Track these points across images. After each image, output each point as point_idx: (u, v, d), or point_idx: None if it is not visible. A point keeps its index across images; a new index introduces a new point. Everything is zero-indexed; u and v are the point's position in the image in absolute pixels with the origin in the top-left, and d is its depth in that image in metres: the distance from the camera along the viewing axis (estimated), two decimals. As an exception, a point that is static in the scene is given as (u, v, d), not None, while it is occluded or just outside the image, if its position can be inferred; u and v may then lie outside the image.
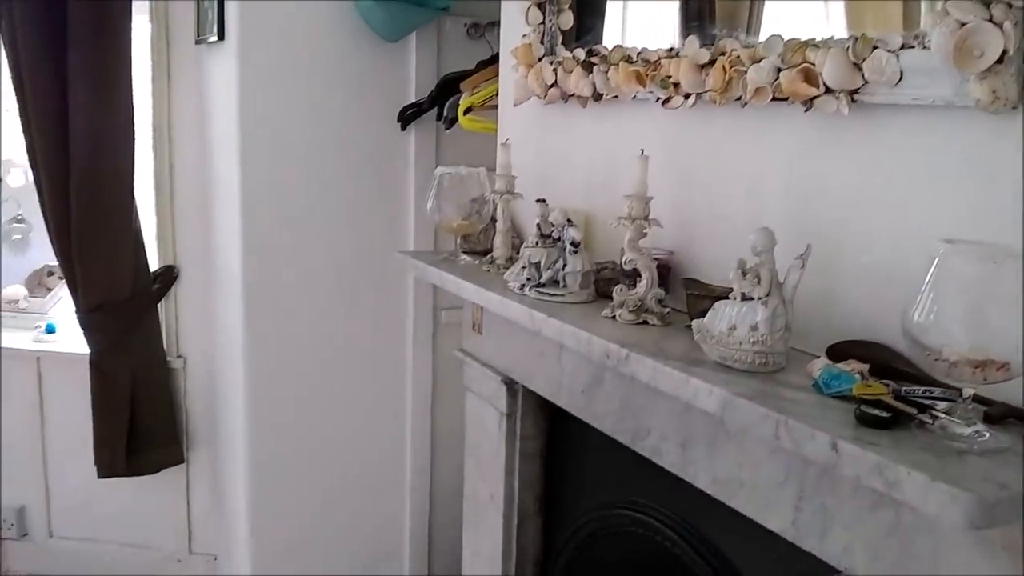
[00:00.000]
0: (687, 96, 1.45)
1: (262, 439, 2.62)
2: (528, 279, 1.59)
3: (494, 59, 2.32)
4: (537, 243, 1.59)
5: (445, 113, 2.32)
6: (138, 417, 2.81)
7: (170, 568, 3.07)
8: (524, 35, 1.87)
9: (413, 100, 2.55)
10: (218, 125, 2.66)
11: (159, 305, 2.88)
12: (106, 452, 2.79)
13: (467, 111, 2.21)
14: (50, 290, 3.30)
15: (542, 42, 1.85)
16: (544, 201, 1.63)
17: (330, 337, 2.64)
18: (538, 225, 1.62)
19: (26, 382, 3.05)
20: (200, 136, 2.80)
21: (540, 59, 1.83)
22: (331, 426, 2.69)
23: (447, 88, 2.35)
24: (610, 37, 1.73)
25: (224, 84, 2.55)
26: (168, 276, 2.88)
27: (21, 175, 3.22)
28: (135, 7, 2.64)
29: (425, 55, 2.57)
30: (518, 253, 1.83)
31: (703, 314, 1.25)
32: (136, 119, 2.70)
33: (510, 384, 1.88)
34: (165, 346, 2.90)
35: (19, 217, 3.33)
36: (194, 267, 2.89)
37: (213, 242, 2.81)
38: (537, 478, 1.93)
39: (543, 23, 1.84)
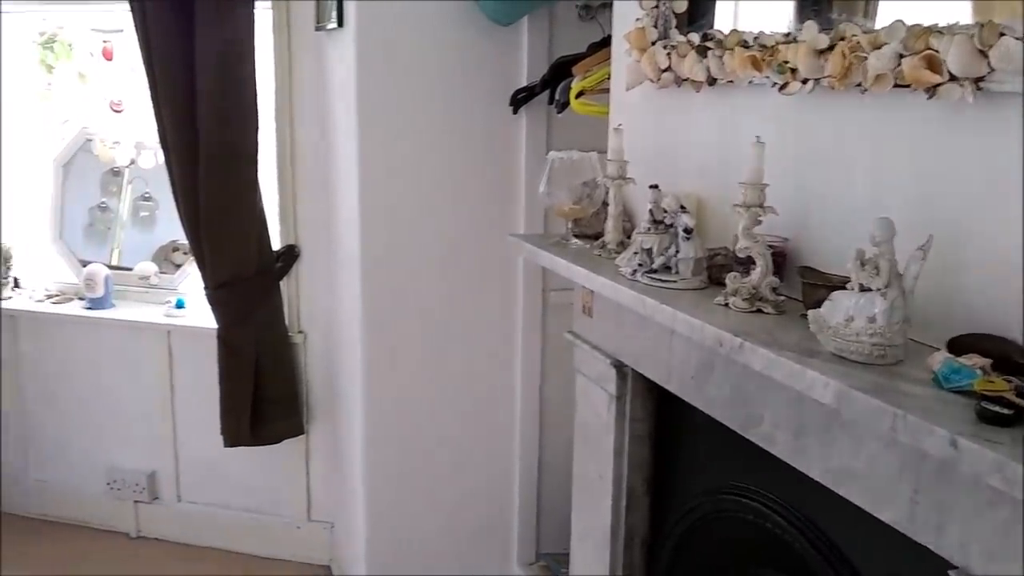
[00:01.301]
0: (804, 82, 1.43)
1: (378, 413, 2.71)
2: (640, 264, 1.60)
3: (605, 42, 2.32)
4: (649, 229, 1.60)
5: (557, 97, 2.33)
6: (262, 389, 2.94)
7: (289, 534, 3.22)
8: (637, 19, 1.87)
9: (525, 84, 2.58)
10: (337, 109, 2.75)
11: (281, 283, 3.00)
12: (232, 422, 2.93)
13: (579, 95, 2.22)
14: (176, 265, 3.46)
15: (655, 26, 1.84)
16: (657, 187, 1.63)
17: (443, 315, 2.70)
18: (650, 211, 1.63)
19: (157, 355, 3.23)
20: (320, 120, 2.90)
21: (653, 43, 1.83)
22: (444, 400, 2.76)
23: (559, 71, 2.37)
24: (722, 22, 1.72)
25: (343, 69, 2.63)
26: (290, 255, 3.00)
27: (151, 157, 3.39)
28: (258, -5, 2.75)
29: (537, 38, 2.59)
30: (629, 238, 1.85)
31: (819, 304, 1.24)
32: (260, 102, 2.82)
33: (620, 367, 1.90)
34: (287, 322, 3.03)
35: (146, 195, 3.50)
36: (314, 246, 3.00)
37: (332, 223, 2.90)
38: (646, 460, 1.95)
39: (656, 7, 1.83)
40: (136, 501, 3.35)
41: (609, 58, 2.13)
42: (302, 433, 3.08)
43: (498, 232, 2.64)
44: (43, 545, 3.33)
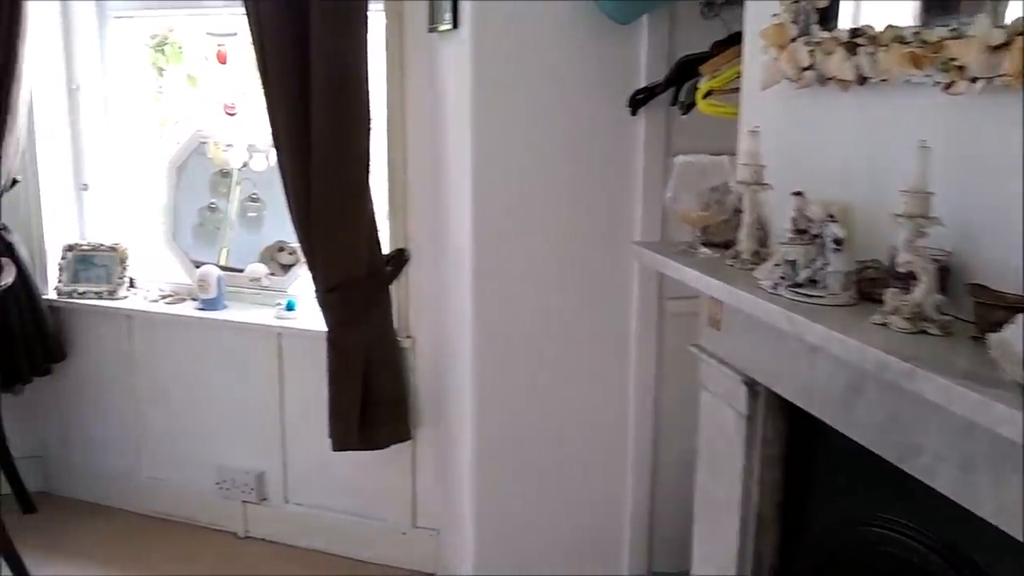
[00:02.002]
0: (974, 80, 1.30)
1: (487, 419, 2.66)
2: (782, 278, 1.49)
3: (731, 39, 2.21)
4: (793, 239, 1.50)
5: (681, 98, 2.24)
6: (370, 393, 2.92)
7: (395, 540, 3.19)
8: (775, 15, 1.76)
9: (643, 84, 2.48)
10: (450, 111, 2.70)
11: (391, 286, 2.97)
12: (340, 426, 2.92)
13: (706, 95, 2.12)
14: (282, 265, 3.47)
15: (795, 22, 1.73)
16: (801, 194, 1.52)
17: (554, 321, 2.63)
18: (793, 219, 1.52)
19: (268, 356, 3.25)
20: (432, 122, 2.86)
21: (793, 40, 1.71)
22: (554, 409, 2.69)
23: (683, 71, 2.27)
24: (845, 20, 1.62)
25: (457, 71, 2.58)
26: (400, 258, 2.97)
27: (263, 159, 3.41)
28: (371, -4, 2.72)
29: (657, 37, 2.49)
30: (763, 247, 1.74)
31: (996, 326, 1.12)
32: (372, 104, 2.79)
33: (751, 385, 1.79)
34: (396, 326, 3.00)
35: (254, 196, 3.52)
36: (424, 250, 2.96)
37: (443, 226, 2.86)
38: (777, 484, 1.84)
39: (796, 1, 1.72)
40: (244, 501, 3.37)
41: (739, 56, 2.03)
42: (409, 438, 3.04)
43: (613, 237, 2.56)
44: (154, 542, 3.39)
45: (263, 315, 3.28)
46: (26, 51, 3.23)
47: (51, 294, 3.55)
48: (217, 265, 3.44)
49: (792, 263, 1.48)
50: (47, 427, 3.71)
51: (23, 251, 3.44)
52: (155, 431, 3.53)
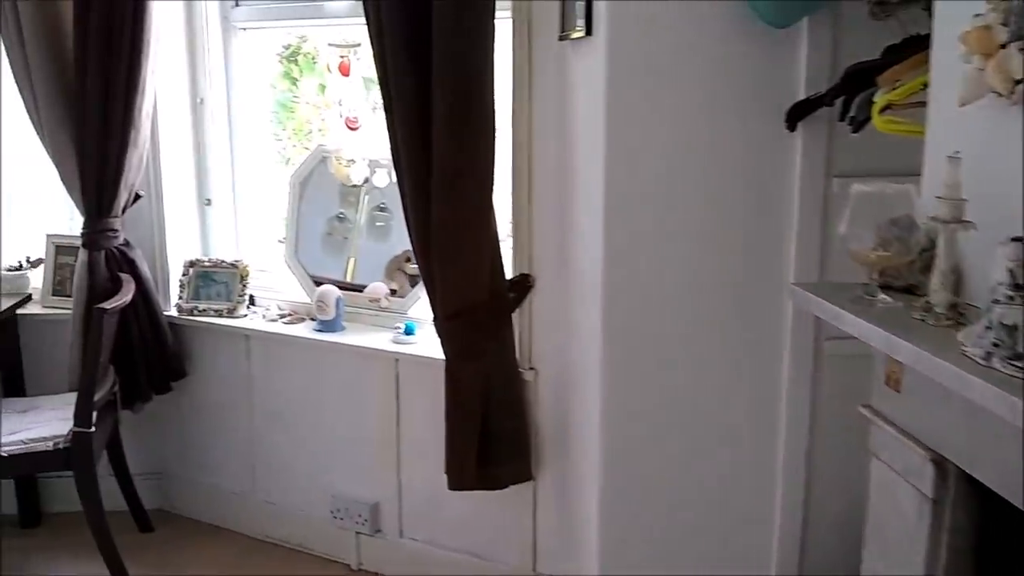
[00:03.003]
0: None
1: (615, 461, 2.42)
2: (996, 345, 1.19)
3: (910, 44, 1.90)
4: (1012, 298, 1.19)
5: (852, 112, 1.93)
6: (489, 429, 2.72)
7: (514, 584, 2.98)
8: (978, 15, 1.45)
9: (803, 96, 2.18)
10: (581, 126, 2.47)
11: (513, 314, 2.76)
12: (457, 464, 2.72)
13: (883, 110, 1.81)
14: (408, 275, 3.32)
15: (1005, 24, 1.42)
16: (1022, 240, 1.22)
17: (693, 358, 2.37)
18: (1010, 272, 1.21)
19: (384, 382, 3.09)
20: (560, 138, 2.63)
21: (1003, 46, 1.40)
22: (691, 454, 2.42)
23: (853, 81, 1.95)
24: None
25: (589, 83, 2.34)
26: (524, 285, 2.75)
27: (386, 175, 3.26)
28: (497, 3, 2.51)
29: (818, 41, 2.19)
30: (957, 295, 1.43)
31: None
32: (497, 119, 2.58)
33: (940, 463, 1.48)
34: (518, 357, 2.78)
35: (382, 206, 3.38)
36: (550, 276, 2.73)
37: (570, 251, 2.63)
38: (969, 581, 1.52)
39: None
40: (358, 532, 3.22)
41: (925, 64, 1.71)
42: (531, 479, 2.82)
43: (763, 269, 2.27)
44: (267, 568, 3.28)
45: (381, 339, 3.12)
46: (150, 65, 3.18)
47: (172, 311, 3.50)
48: (338, 283, 3.31)
49: (1010, 328, 1.18)
50: (166, 445, 3.66)
51: (145, 267, 3.40)
52: (271, 454, 3.43)
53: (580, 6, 2.35)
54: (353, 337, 3.17)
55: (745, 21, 2.16)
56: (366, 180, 3.30)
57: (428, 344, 2.97)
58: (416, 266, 3.19)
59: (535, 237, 2.74)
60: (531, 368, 2.81)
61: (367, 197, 3.39)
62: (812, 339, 2.30)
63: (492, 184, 2.62)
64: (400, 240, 3.29)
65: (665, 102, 2.22)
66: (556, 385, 2.79)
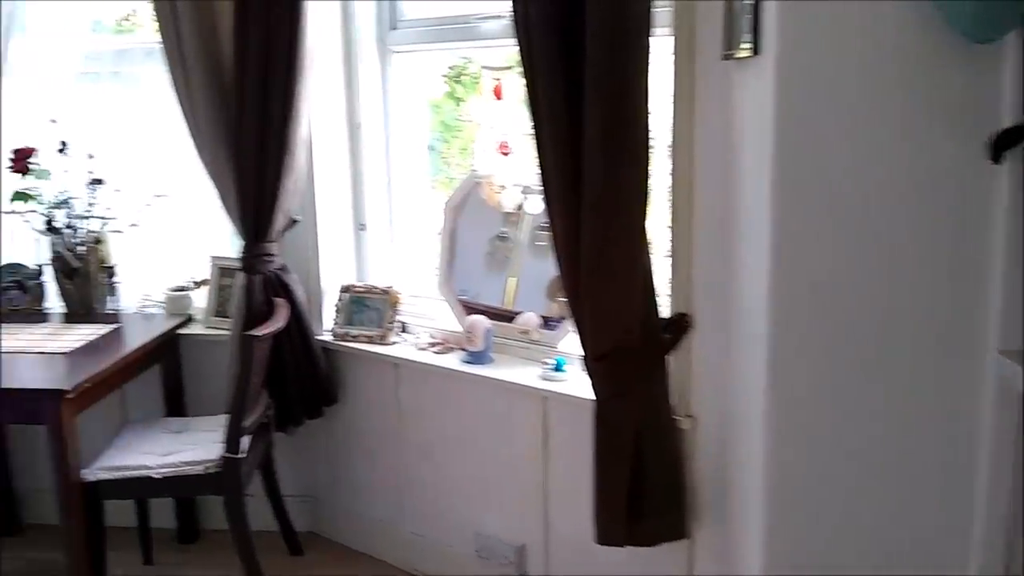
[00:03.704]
0: None
1: (782, 520, 2.16)
2: None
3: None
4: None
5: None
6: (641, 481, 2.51)
7: (666, 645, 2.75)
8: None
9: (1008, 122, 1.87)
10: (747, 154, 2.24)
11: (668, 357, 2.55)
12: (605, 516, 2.54)
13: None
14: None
15: None
16: None
17: (871, 416, 2.07)
18: None
19: (532, 420, 2.95)
20: (723, 166, 2.40)
21: None
22: (871, 521, 2.12)
23: (1076, 106, 1.65)
24: None
25: (757, 106, 2.11)
26: (680, 324, 2.53)
27: (539, 202, 3.12)
28: (655, 21, 2.32)
29: (1025, 57, 1.87)
30: None
31: None
32: (652, 144, 2.39)
33: None
34: (673, 403, 2.57)
35: (545, 224, 3.23)
36: (710, 315, 2.51)
37: (734, 288, 2.40)
38: None
39: None
40: (504, 575, 3.09)
41: None
42: (685, 537, 2.60)
43: (957, 325, 1.96)
44: (413, 603, 3.21)
45: (530, 374, 2.97)
46: (306, 90, 3.17)
47: (325, 336, 3.49)
48: (494, 310, 3.21)
49: None
50: (318, 468, 3.67)
51: (300, 291, 3.40)
52: (419, 485, 3.35)
53: (746, 22, 2.13)
54: (501, 371, 3.04)
55: (939, 35, 1.87)
56: (519, 207, 3.17)
57: (578, 383, 2.81)
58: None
59: (694, 273, 2.52)
60: (688, 416, 2.59)
61: (529, 217, 3.27)
62: (1020, 409, 1.97)
63: (646, 215, 2.43)
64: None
65: (843, 129, 1.96)
66: (716, 435, 2.55)
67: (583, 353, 2.58)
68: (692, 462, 2.60)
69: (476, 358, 3.11)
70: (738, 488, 2.42)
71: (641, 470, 2.53)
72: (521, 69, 2.51)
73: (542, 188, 2.56)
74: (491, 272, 3.35)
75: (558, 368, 2.92)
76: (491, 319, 3.16)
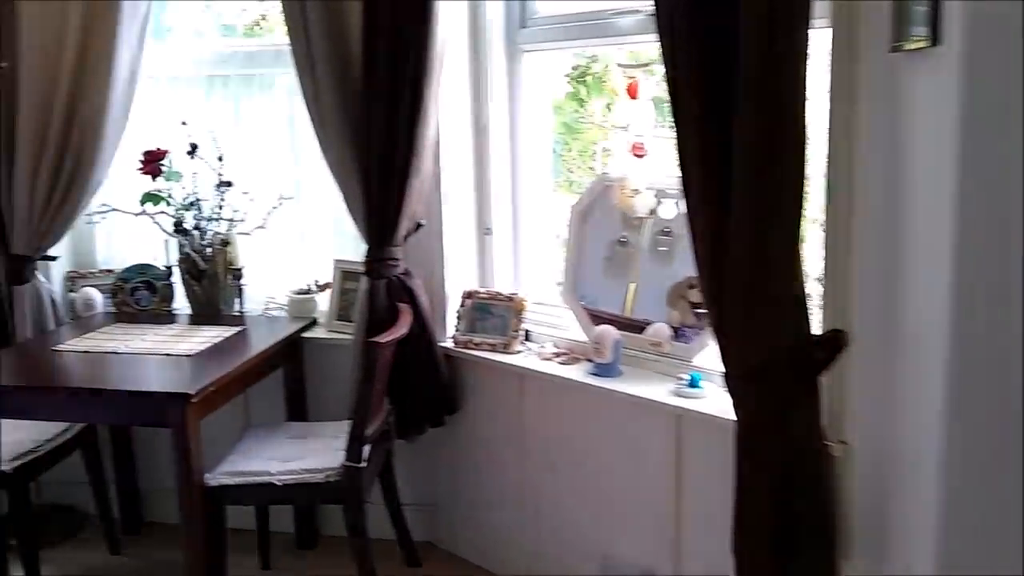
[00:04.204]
0: None
1: (958, 561, 1.93)
2: None
3: None
4: None
5: None
6: (787, 512, 2.31)
7: None
8: None
9: None
10: (919, 156, 2.02)
11: (821, 376, 2.34)
12: (747, 549, 2.34)
13: None
14: (691, 303, 2.99)
15: None
16: None
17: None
18: None
19: (664, 439, 2.78)
20: (890, 171, 2.17)
21: None
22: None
23: None
24: None
25: (932, 103, 1.90)
26: (835, 342, 2.31)
27: (673, 206, 2.96)
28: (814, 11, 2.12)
29: None
30: None
31: None
32: (808, 143, 2.19)
33: None
34: (825, 427, 2.36)
35: (666, 230, 3.08)
36: (868, 333, 2.28)
37: (898, 305, 2.17)
38: None
39: None
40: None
41: None
42: (835, 575, 2.38)
43: None
44: (532, 625, 3.08)
45: (662, 389, 2.80)
46: (434, 91, 3.08)
47: (448, 342, 3.40)
48: (615, 318, 3.06)
49: None
50: (438, 478, 3.58)
51: (423, 297, 3.32)
52: (542, 500, 3.23)
53: (921, 11, 1.91)
54: (631, 384, 2.88)
55: None
56: (652, 211, 3.01)
57: (716, 401, 2.63)
58: (700, 294, 2.89)
59: (851, 288, 2.31)
60: (841, 441, 2.38)
61: (650, 221, 3.11)
62: None
63: (801, 224, 2.23)
64: (684, 266, 2.98)
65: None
66: (873, 464, 2.33)
67: (725, 369, 2.39)
68: (846, 493, 2.38)
69: (604, 370, 2.96)
70: (901, 523, 2.20)
71: (788, 501, 2.32)
72: (663, 66, 2.35)
73: (684, 193, 2.39)
74: (610, 277, 3.20)
75: (693, 384, 2.75)
76: (618, 328, 3.01)
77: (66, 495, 3.85)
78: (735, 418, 2.38)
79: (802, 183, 2.19)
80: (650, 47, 3.07)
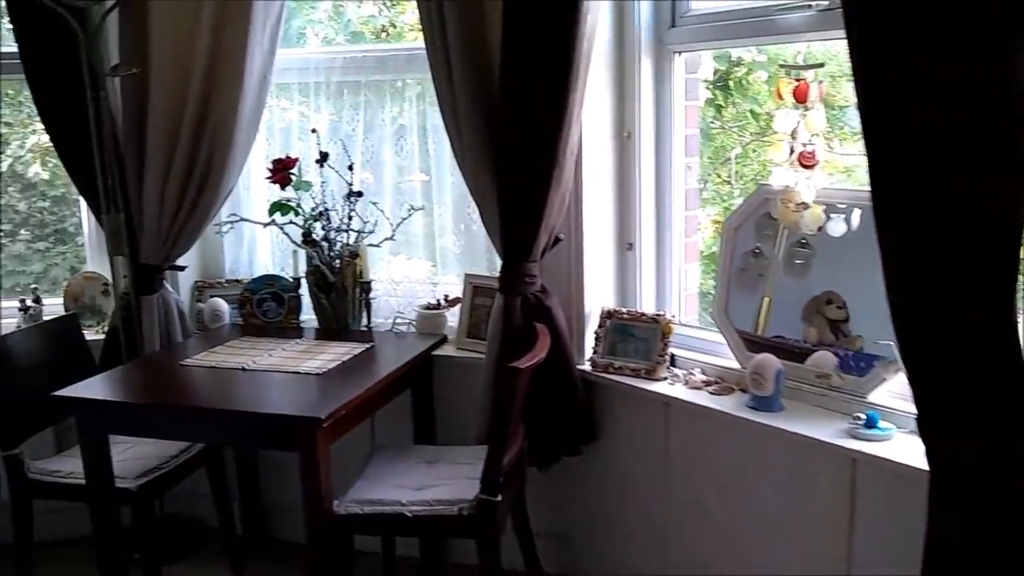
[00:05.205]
0: None
1: None
2: None
3: None
4: None
5: None
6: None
7: None
8: None
9: None
10: None
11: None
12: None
13: None
14: (829, 320, 2.71)
15: None
16: None
17: None
18: None
19: (834, 485, 2.49)
20: None
21: None
22: None
23: None
24: None
25: None
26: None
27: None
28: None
29: None
30: None
31: None
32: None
33: None
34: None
35: (803, 242, 2.80)
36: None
37: None
38: None
39: None
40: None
41: None
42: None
43: None
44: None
45: (831, 428, 2.51)
46: (578, 96, 2.86)
47: (586, 365, 3.17)
48: (749, 336, 2.81)
49: None
50: (572, 508, 3.36)
51: (560, 316, 3.10)
52: (687, 542, 2.97)
53: None
54: (795, 421, 2.59)
55: None
56: (820, 228, 2.72)
57: (902, 446, 2.32)
58: (838, 310, 2.65)
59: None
60: (1060, 502, 2.05)
61: (786, 232, 2.83)
62: None
63: (1021, 243, 1.92)
64: (820, 279, 2.76)
65: None
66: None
67: (917, 410, 2.09)
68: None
69: (763, 404, 2.68)
70: None
71: (990, 567, 2.02)
72: (851, 58, 2.06)
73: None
74: (742, 290, 2.94)
75: (871, 424, 2.44)
76: (774, 352, 2.74)
77: (190, 507, 3.78)
78: (928, 469, 2.07)
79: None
80: (820, 46, 2.79)
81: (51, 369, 3.23)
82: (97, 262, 3.89)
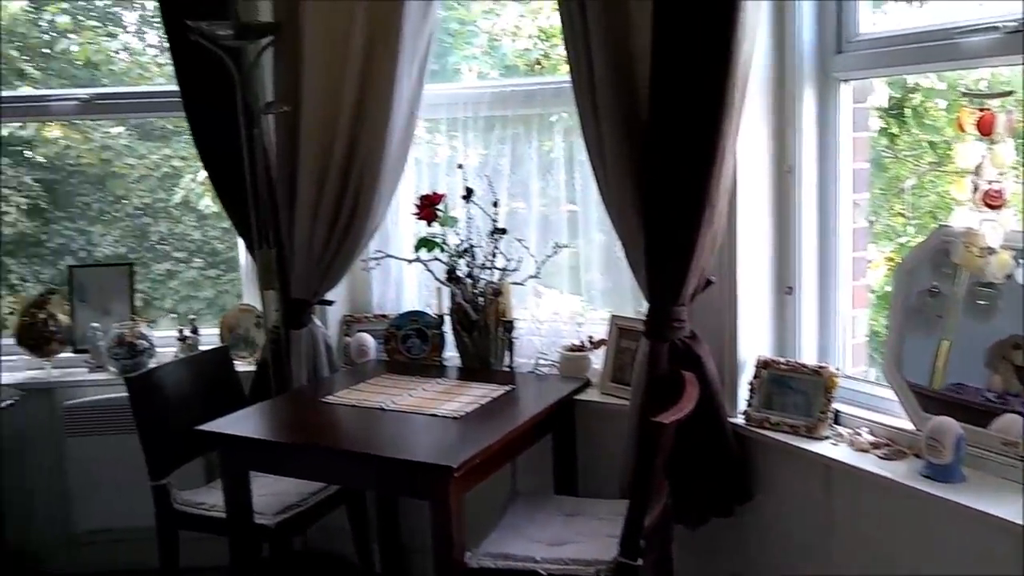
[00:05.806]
0: None
1: None
2: None
3: None
4: None
5: None
6: None
7: None
8: None
9: None
10: None
11: None
12: None
13: None
14: (1016, 367, 2.39)
15: None
16: None
17: None
18: None
19: (1013, 569, 2.16)
20: None
21: None
22: None
23: None
24: None
25: None
26: None
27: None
28: None
29: None
30: None
31: None
32: None
33: None
34: None
35: (987, 282, 2.48)
36: None
37: None
38: None
39: None
40: None
41: None
42: None
43: None
44: None
45: (1015, 504, 2.19)
46: (733, 129, 2.66)
47: (738, 419, 2.94)
48: (921, 389, 2.53)
49: None
50: (721, 572, 3.11)
51: (711, 365, 2.89)
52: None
53: None
54: (977, 495, 2.28)
55: None
56: (1009, 276, 2.40)
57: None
58: None
59: None
60: None
61: (967, 272, 2.51)
62: None
63: None
64: (1007, 322, 2.45)
65: None
66: None
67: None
68: None
69: (940, 473, 2.38)
70: None
71: None
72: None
73: None
74: (917, 333, 2.64)
75: None
76: (953, 409, 2.44)
77: (332, 541, 3.76)
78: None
79: None
80: (1008, 71, 2.49)
81: (201, 400, 3.28)
82: (252, 294, 3.96)
